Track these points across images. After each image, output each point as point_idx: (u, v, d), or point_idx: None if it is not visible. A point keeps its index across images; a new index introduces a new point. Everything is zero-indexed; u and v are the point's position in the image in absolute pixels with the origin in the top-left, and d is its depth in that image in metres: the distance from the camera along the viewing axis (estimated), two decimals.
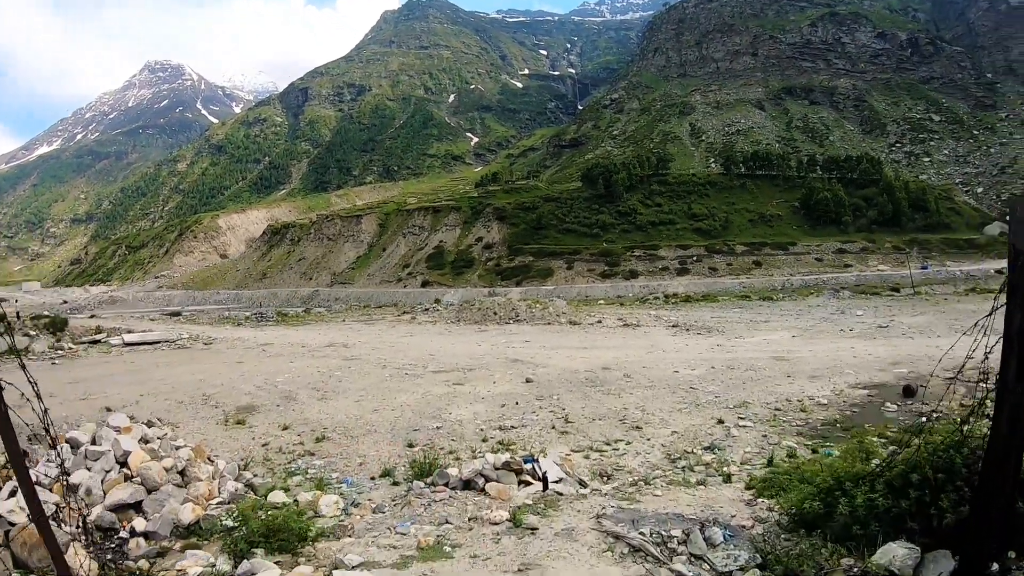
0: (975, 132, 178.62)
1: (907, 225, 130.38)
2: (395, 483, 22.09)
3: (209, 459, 21.66)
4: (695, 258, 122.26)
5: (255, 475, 23.17)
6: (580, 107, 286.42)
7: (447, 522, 17.10)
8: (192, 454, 20.81)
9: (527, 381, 37.94)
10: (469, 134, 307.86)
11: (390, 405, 33.13)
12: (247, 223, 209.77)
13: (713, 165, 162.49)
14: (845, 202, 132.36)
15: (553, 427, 29.89)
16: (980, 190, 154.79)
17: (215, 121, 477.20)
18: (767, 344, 51.48)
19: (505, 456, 21.47)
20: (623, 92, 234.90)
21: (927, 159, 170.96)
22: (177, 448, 20.79)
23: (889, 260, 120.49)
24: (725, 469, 24.79)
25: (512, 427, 29.87)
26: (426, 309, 79.98)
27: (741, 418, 31.39)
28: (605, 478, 23.83)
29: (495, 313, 68.10)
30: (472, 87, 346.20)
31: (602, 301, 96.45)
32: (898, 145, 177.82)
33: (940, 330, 57.19)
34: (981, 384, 33.44)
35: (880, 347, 49.18)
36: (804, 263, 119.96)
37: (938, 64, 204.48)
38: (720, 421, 30.71)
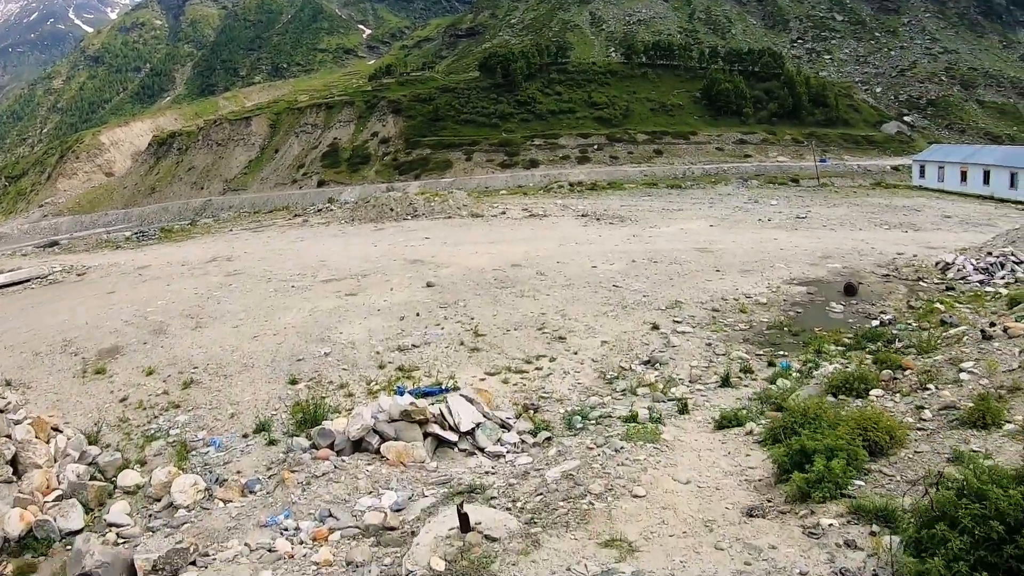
0: (877, 34, 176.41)
1: (807, 119, 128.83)
2: (271, 441, 18.27)
3: (55, 430, 17.97)
4: (596, 147, 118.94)
5: (107, 445, 18.82)
6: None
7: (330, 515, 12.48)
8: (31, 430, 17.23)
9: (428, 286, 33.63)
10: (361, 26, 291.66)
11: (272, 328, 28.32)
12: (132, 136, 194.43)
13: (614, 55, 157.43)
14: (746, 94, 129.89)
15: (462, 343, 25.74)
16: (879, 90, 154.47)
17: (90, 30, 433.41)
18: (685, 235, 47.91)
19: (404, 402, 17.16)
20: None
21: (828, 57, 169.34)
22: (16, 423, 17.38)
23: (788, 152, 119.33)
24: (674, 391, 20.93)
25: (413, 346, 25.57)
26: (319, 210, 74.56)
27: (677, 322, 27.50)
28: (532, 411, 19.88)
29: (392, 209, 63.30)
30: None
31: (503, 191, 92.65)
32: (800, 42, 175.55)
33: (860, 223, 54.80)
34: (920, 281, 26.58)
35: (804, 239, 46.24)
36: (705, 152, 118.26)
37: None
38: (654, 326, 26.77)
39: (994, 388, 15.63)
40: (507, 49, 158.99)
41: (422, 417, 16.89)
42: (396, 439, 16.51)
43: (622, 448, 14.24)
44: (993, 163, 78.40)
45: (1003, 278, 33.68)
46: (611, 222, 54.71)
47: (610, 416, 18.74)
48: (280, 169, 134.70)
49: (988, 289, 32.55)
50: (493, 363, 23.51)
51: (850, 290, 32.02)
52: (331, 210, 71.57)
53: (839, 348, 24.25)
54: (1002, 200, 72.70)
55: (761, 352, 24.36)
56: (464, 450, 17.01)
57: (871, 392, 17.09)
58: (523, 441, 17.53)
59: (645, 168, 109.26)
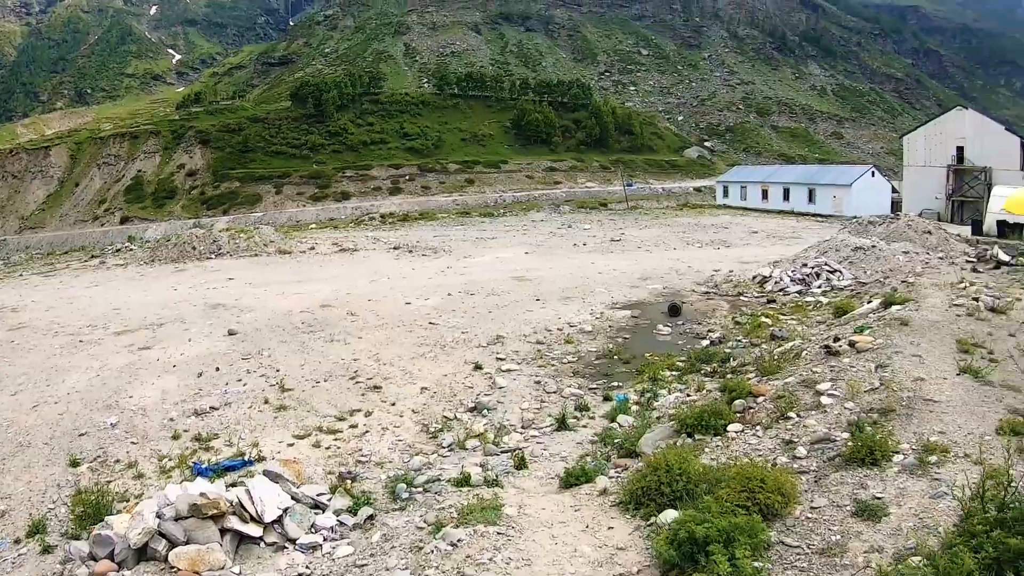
0: (679, 67, 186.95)
1: (614, 146, 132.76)
2: (46, 548, 14.57)
3: None
4: (408, 177, 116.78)
5: None
6: (292, 23, 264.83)
7: None
8: None
9: (230, 334, 29.75)
10: (171, 50, 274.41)
11: (55, 395, 23.72)
12: None
13: (426, 85, 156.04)
14: (555, 124, 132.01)
15: (266, 400, 22.27)
16: (681, 118, 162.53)
17: None
18: (501, 263, 45.67)
19: (194, 492, 13.67)
20: (338, 9, 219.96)
21: (633, 88, 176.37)
22: None
23: (597, 178, 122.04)
24: (506, 441, 18.55)
25: (212, 408, 21.93)
26: (118, 250, 67.76)
27: (500, 359, 24.89)
28: (349, 481, 16.97)
29: (194, 248, 57.73)
30: None
31: (314, 225, 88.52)
32: (607, 74, 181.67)
33: (673, 243, 54.55)
34: (741, 296, 24.54)
35: (621, 261, 45.07)
36: (516, 180, 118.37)
37: (651, 4, 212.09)
38: (477, 366, 24.06)
39: (863, 413, 13.76)
40: (320, 79, 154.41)
41: (216, 511, 13.21)
42: (187, 542, 13.00)
43: (459, 542, 11.10)
44: (792, 181, 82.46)
45: (820, 287, 33.88)
46: (424, 254, 51.89)
47: (439, 480, 16.18)
48: (81, 205, 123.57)
49: (808, 299, 32.27)
50: (302, 423, 20.35)
51: (674, 311, 30.77)
52: (131, 249, 65.15)
53: (674, 373, 22.70)
54: (802, 214, 76.74)
55: (594, 385, 22.31)
56: (272, 544, 13.72)
57: (729, 428, 14.92)
58: (341, 523, 14.55)
59: (457, 197, 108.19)
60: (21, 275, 60.05)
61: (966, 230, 53.32)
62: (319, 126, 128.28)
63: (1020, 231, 48.32)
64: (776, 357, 20.31)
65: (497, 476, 15.33)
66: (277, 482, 15.35)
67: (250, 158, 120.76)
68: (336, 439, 19.24)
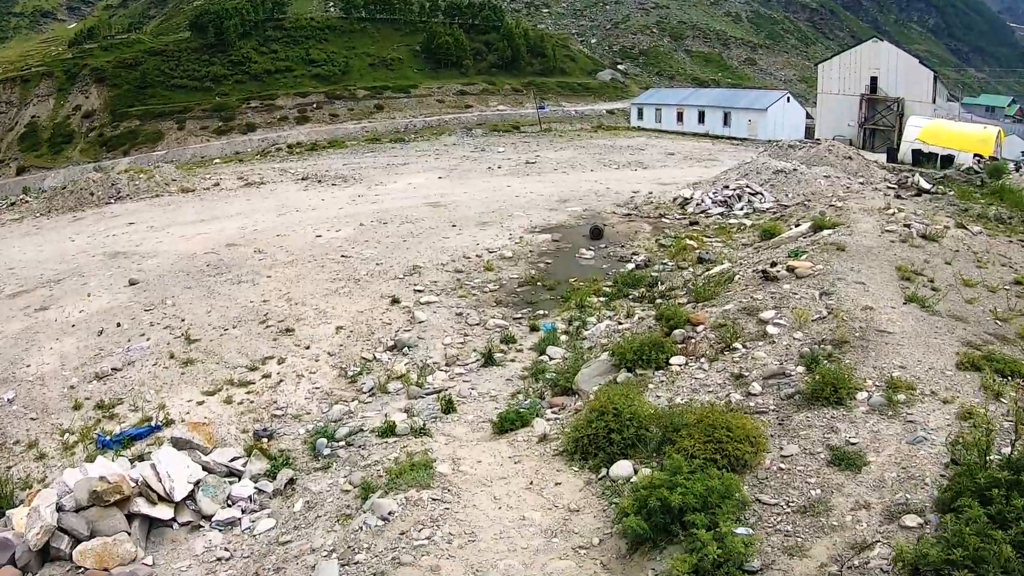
0: None
1: (526, 69, 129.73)
2: None
3: None
4: (315, 105, 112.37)
5: None
6: None
7: None
8: None
9: (131, 284, 27.30)
10: None
11: None
12: None
13: (332, 9, 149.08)
14: (466, 46, 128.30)
15: (172, 355, 20.40)
16: (594, 41, 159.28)
17: None
18: (415, 190, 43.76)
19: (95, 474, 12.07)
20: None
21: (547, 10, 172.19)
22: None
23: (509, 101, 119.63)
24: (431, 381, 17.30)
25: (114, 370, 19.95)
26: (12, 203, 62.41)
27: (419, 291, 23.51)
28: (266, 440, 15.55)
29: (92, 194, 53.23)
30: None
31: (218, 160, 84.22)
32: None
33: (590, 164, 53.33)
34: (663, 218, 24.14)
35: (538, 184, 43.65)
36: (426, 105, 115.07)
37: None
38: (395, 300, 22.71)
39: (815, 344, 12.75)
40: (220, 5, 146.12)
41: (120, 495, 11.62)
42: (92, 535, 11.43)
43: (391, 515, 9.88)
44: (708, 104, 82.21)
45: (742, 209, 33.30)
46: (334, 183, 49.35)
47: (362, 431, 14.95)
48: None
49: (731, 221, 31.49)
50: (211, 377, 18.74)
51: (596, 233, 29.79)
52: (26, 201, 60.34)
53: (601, 299, 21.75)
54: (717, 137, 76.38)
55: (519, 315, 21.31)
56: (187, 524, 12.33)
57: (671, 361, 13.77)
58: (260, 491, 13.26)
59: (366, 124, 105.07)
60: None
61: (881, 157, 53.88)
62: (221, 56, 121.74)
63: (933, 160, 49.02)
64: (709, 282, 19.27)
65: (424, 424, 14.21)
66: (187, 450, 14.03)
67: (149, 94, 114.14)
68: (249, 392, 17.76)
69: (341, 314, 21.76)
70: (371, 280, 24.67)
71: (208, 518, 12.34)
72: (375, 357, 18.82)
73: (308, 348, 19.75)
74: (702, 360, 13.60)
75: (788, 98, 79.14)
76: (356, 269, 26.04)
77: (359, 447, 14.01)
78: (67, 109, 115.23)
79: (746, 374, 12.43)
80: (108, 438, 16.06)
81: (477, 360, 17.95)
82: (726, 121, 78.90)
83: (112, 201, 51.11)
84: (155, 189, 51.85)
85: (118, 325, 22.94)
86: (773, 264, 18.61)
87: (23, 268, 32.82)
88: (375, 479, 11.40)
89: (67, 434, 16.85)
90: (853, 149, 45.84)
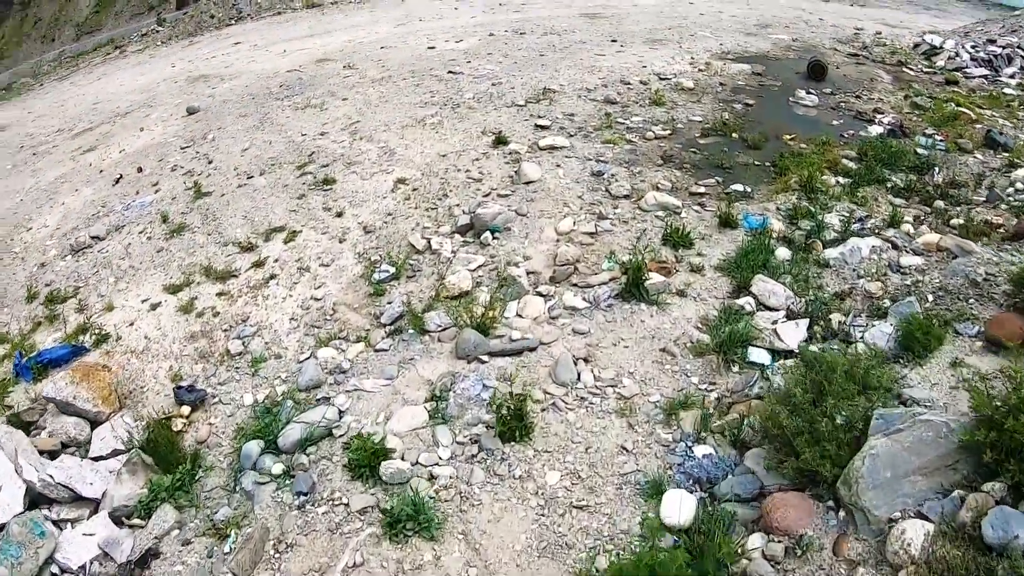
0: None
1: None
2: None
3: None
4: None
5: None
6: None
7: None
8: None
9: (189, 113, 20.15)
10: None
11: None
12: None
13: None
14: None
15: (165, 219, 12.76)
16: None
17: None
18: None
19: None
20: None
21: None
22: None
23: None
24: (507, 320, 7.45)
25: (94, 239, 12.86)
26: (144, 35, 56.81)
27: (542, 127, 13.77)
28: (188, 409, 7.49)
29: (212, 16, 47.51)
30: None
31: None
32: None
33: None
34: (904, 68, 21.10)
35: (732, 5, 32.13)
36: None
37: None
38: (499, 139, 13.13)
39: None
40: None
41: None
42: None
43: None
44: None
45: (1013, 76, 21.36)
46: None
47: (332, 432, 7.50)
48: None
49: (1007, 91, 19.82)
50: (189, 260, 11.42)
51: (817, 71, 18.92)
52: (157, 31, 54.63)
53: (842, 181, 11.61)
54: None
55: (700, 187, 11.49)
56: None
57: None
58: (106, 555, 6.42)
59: None
60: (41, 84, 50.06)
61: None
62: None
63: None
64: None
65: (439, 484, 6.32)
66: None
67: None
68: (222, 293, 10.21)
69: (414, 157, 13.07)
70: (476, 106, 15.56)
71: None
72: (430, 245, 10.11)
73: (340, 216, 11.49)
74: None
75: None
76: (461, 90, 16.99)
77: (300, 495, 6.59)
78: None
79: None
80: (24, 361, 9.59)
81: (612, 282, 8.98)
82: None
83: (232, 22, 44.18)
84: (277, 6, 44.16)
85: (139, 171, 16.04)
86: None
87: (107, 102, 26.70)
88: None
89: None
90: None
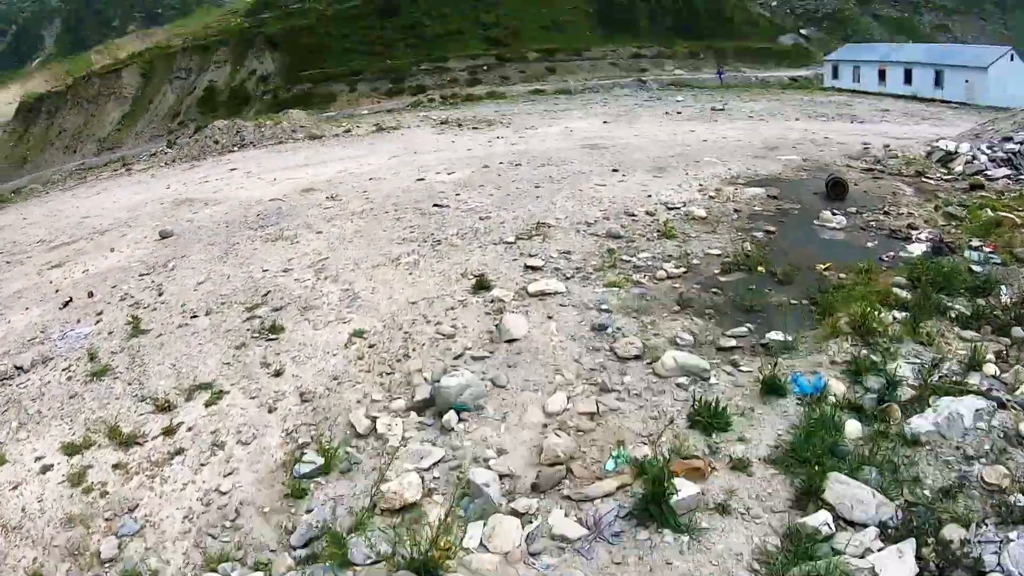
0: None
1: (703, 33, 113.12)
2: None
3: None
4: (485, 67, 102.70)
5: None
6: None
7: None
8: None
9: (162, 237, 18.57)
10: None
11: None
12: None
13: None
14: (641, 8, 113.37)
15: (92, 357, 10.67)
16: (775, 3, 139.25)
17: None
18: (570, 132, 32.17)
19: None
20: None
21: None
22: None
23: (685, 65, 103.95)
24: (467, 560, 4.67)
25: (17, 370, 10.92)
26: (153, 154, 57.39)
27: (533, 267, 11.54)
28: None
29: (216, 142, 46.46)
30: None
31: (366, 111, 76.50)
32: None
33: (792, 114, 39.63)
34: (923, 177, 19.98)
35: (731, 130, 30.99)
36: (599, 68, 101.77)
37: None
38: (481, 283, 10.83)
39: None
40: None
41: None
42: None
43: None
44: (915, 60, 64.92)
45: None
46: (475, 127, 38.18)
47: None
48: (155, 120, 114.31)
49: None
50: (99, 414, 9.23)
51: (838, 189, 17.40)
52: (166, 153, 54.69)
53: (898, 315, 9.38)
54: (927, 100, 58.87)
55: (730, 340, 9.12)
56: None
57: None
58: None
59: (538, 86, 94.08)
60: (47, 192, 49.78)
61: None
62: (393, 21, 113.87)
63: None
64: None
65: None
66: None
67: (322, 58, 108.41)
68: (119, 466, 8.00)
69: (379, 303, 10.94)
70: (459, 244, 13.55)
71: None
72: (375, 428, 7.68)
73: (278, 376, 9.22)
74: None
75: (1012, 55, 61.05)
76: (444, 225, 15.05)
77: None
78: (243, 74, 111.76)
79: None
80: None
81: (621, 491, 6.37)
82: (938, 81, 61.34)
83: (235, 149, 43.16)
84: (280, 135, 43.31)
85: (90, 295, 14.15)
86: None
87: (95, 217, 25.52)
88: None
89: None
90: None
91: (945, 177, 20.17)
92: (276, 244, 15.42)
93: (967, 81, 58.96)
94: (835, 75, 74.59)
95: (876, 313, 8.99)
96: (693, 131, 30.18)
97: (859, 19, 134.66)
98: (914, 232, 13.78)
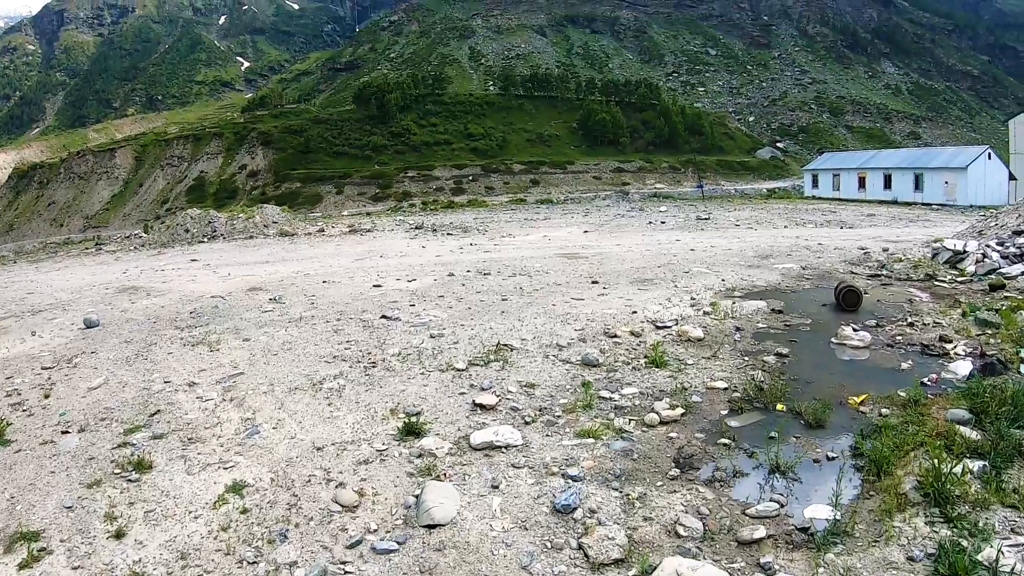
0: (749, 67, 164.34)
1: (683, 147, 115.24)
2: None
3: None
4: (471, 177, 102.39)
5: None
6: (358, 30, 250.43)
7: None
8: None
9: (87, 327, 16.41)
10: (240, 58, 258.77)
11: None
12: None
13: (492, 88, 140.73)
14: (623, 124, 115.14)
15: None
16: (752, 119, 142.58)
17: None
18: (548, 241, 30.03)
19: None
20: (402, 14, 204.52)
21: (702, 89, 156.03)
22: None
23: (666, 179, 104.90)
24: None
25: None
26: (127, 237, 55.91)
27: (483, 406, 8.54)
28: None
29: (187, 231, 44.66)
30: (245, 8, 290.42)
31: (346, 213, 74.86)
32: (675, 75, 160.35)
33: (779, 222, 38.07)
34: (934, 280, 18.26)
35: (718, 239, 29.00)
36: (583, 181, 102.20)
37: (718, 3, 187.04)
38: (410, 429, 7.62)
39: None
40: (383, 80, 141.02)
41: None
42: None
43: None
44: (895, 166, 64.53)
45: None
46: (449, 233, 36.22)
47: None
48: (143, 204, 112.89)
49: None
50: None
51: (850, 300, 15.38)
52: (139, 237, 52.46)
53: (972, 467, 6.54)
54: (908, 204, 58.45)
55: (756, 520, 6.45)
56: None
57: None
58: None
59: (521, 197, 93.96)
60: (15, 263, 46.97)
61: None
62: (382, 127, 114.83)
63: None
64: None
65: None
66: None
67: (312, 159, 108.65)
68: None
69: (277, 444, 8.36)
70: (397, 368, 10.90)
71: None
72: None
73: (118, 539, 6.57)
74: None
75: (990, 154, 60.38)
76: (386, 342, 12.47)
77: None
78: (233, 167, 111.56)
79: None
80: None
81: None
82: (918, 185, 60.39)
83: (204, 240, 41.21)
84: (251, 230, 41.33)
85: None
86: None
87: (38, 295, 24.00)
88: None
89: None
90: None
91: (959, 279, 17.99)
92: (195, 350, 12.84)
93: (946, 183, 58.52)
94: (815, 184, 74.17)
95: (947, 468, 6.22)
96: (679, 240, 28.08)
97: (833, 131, 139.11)
98: (948, 346, 11.21)
